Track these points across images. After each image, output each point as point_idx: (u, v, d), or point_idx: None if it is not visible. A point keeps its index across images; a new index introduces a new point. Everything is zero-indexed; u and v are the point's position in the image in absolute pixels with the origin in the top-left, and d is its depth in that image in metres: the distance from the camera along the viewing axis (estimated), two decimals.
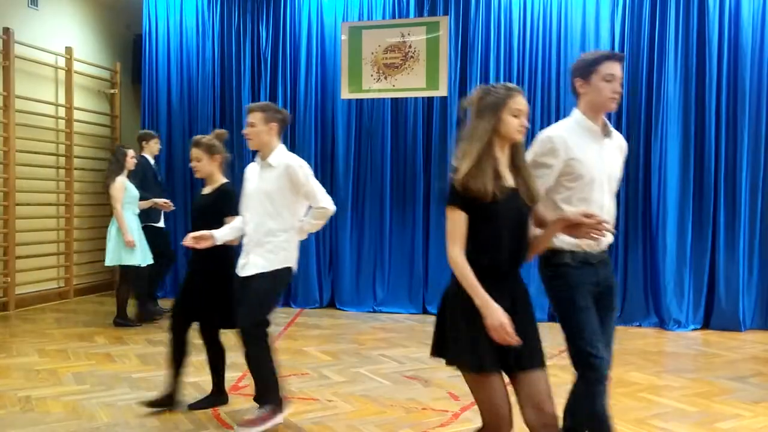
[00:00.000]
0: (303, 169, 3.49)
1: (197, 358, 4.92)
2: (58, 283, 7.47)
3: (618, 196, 6.45)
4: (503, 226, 2.30)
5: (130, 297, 6.18)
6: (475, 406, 3.85)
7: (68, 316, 6.59)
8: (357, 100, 7.23)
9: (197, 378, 4.41)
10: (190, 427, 3.50)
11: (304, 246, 7.13)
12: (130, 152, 6.07)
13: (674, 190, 6.40)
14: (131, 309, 6.25)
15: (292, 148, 7.30)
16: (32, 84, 7.07)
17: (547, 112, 6.73)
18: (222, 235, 3.60)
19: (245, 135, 3.60)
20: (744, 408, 3.94)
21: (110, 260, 5.97)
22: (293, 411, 3.75)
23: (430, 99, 7.02)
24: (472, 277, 2.27)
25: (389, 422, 3.61)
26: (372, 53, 7.15)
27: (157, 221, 6.48)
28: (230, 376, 4.46)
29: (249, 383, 4.29)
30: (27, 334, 5.70)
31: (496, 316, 2.25)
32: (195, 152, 3.83)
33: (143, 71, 7.80)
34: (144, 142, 6.64)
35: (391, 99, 7.12)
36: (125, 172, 6.01)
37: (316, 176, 7.11)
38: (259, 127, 3.52)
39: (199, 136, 3.97)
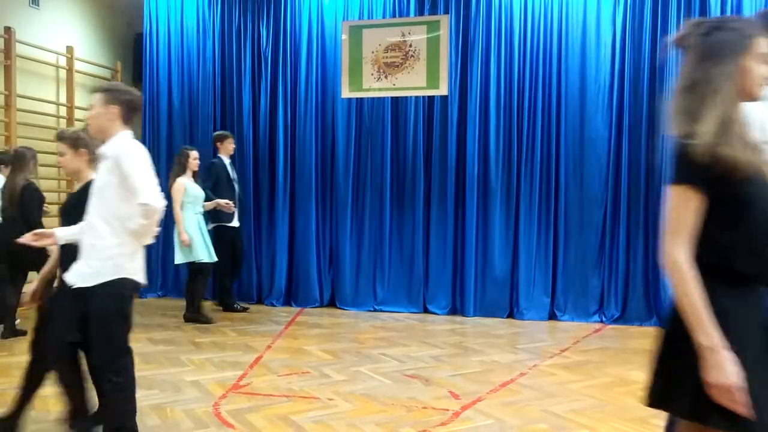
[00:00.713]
0: (130, 157, 2.90)
1: (198, 357, 4.94)
2: (59, 283, 7.46)
3: (620, 194, 6.52)
4: (762, 215, 1.61)
5: (201, 293, 6.32)
6: (476, 405, 3.88)
7: None
8: (357, 99, 7.22)
9: (198, 377, 4.41)
10: (191, 426, 3.50)
11: (304, 245, 7.23)
12: (193, 153, 6.17)
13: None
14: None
15: (293, 147, 7.34)
16: (33, 83, 7.07)
17: (548, 111, 6.73)
18: (65, 234, 3.14)
19: (86, 120, 3.11)
20: None
21: (178, 259, 6.14)
22: (294, 410, 3.76)
23: (431, 98, 7.02)
24: (698, 295, 1.57)
25: (390, 421, 3.61)
26: (372, 52, 7.15)
27: (229, 221, 6.55)
28: (231, 374, 4.48)
29: (250, 382, 4.30)
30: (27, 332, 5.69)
31: (725, 372, 1.53)
32: (59, 146, 3.34)
33: (144, 70, 7.79)
34: (219, 143, 6.70)
35: (392, 98, 7.12)
36: (188, 172, 6.14)
37: (317, 176, 7.25)
38: (97, 109, 2.98)
39: (62, 129, 3.68)
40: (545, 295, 6.74)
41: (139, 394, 3.98)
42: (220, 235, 6.53)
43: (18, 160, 5.57)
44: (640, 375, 4.59)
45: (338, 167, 7.22)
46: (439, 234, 6.96)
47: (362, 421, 3.60)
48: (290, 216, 7.32)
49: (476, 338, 5.77)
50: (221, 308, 6.80)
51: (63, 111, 7.47)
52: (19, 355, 4.95)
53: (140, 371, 4.48)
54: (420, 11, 7.05)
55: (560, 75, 6.70)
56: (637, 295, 6.51)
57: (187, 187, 6.07)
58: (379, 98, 7.15)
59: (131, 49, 8.43)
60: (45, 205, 5.69)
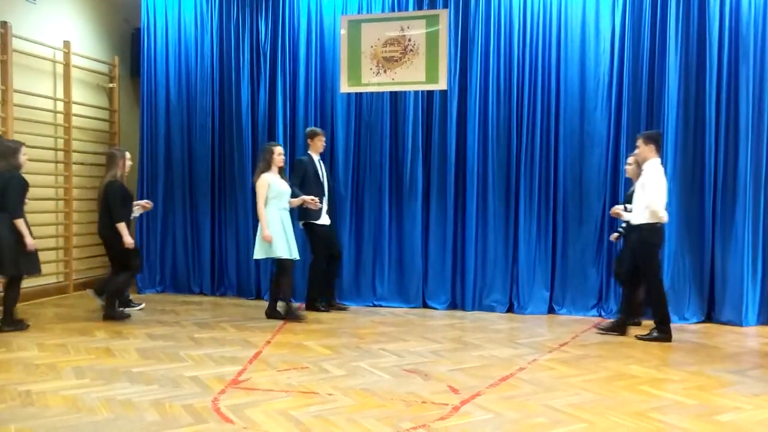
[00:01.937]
0: None
1: (197, 352, 4.94)
2: (58, 278, 7.46)
3: (618, 188, 6.51)
4: None
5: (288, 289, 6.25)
6: (476, 399, 3.88)
7: (68, 310, 6.58)
8: (356, 93, 7.20)
9: (197, 372, 4.41)
10: (191, 421, 3.50)
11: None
12: (278, 149, 6.13)
13: (675, 184, 6.39)
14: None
15: (293, 140, 7.33)
16: (30, 78, 7.04)
17: (547, 106, 6.71)
18: None
19: None
20: (744, 401, 3.94)
21: (257, 254, 6.12)
22: (294, 404, 3.76)
23: (430, 93, 7.00)
24: None
25: (389, 416, 3.61)
26: (371, 47, 7.12)
27: (317, 218, 6.44)
28: (230, 369, 4.48)
29: (249, 377, 4.30)
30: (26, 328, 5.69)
31: None
32: None
33: (142, 65, 7.76)
34: (309, 139, 6.63)
35: (391, 93, 7.10)
36: (273, 168, 6.10)
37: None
38: None
39: None
40: (544, 289, 6.74)
41: (138, 389, 4.01)
42: (310, 233, 6.52)
43: (108, 160, 6.16)
44: (638, 369, 4.61)
45: (338, 162, 7.20)
46: (439, 229, 6.96)
47: (361, 416, 3.60)
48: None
49: (475, 333, 5.77)
50: (304, 307, 6.61)
51: (60, 106, 7.43)
52: (21, 350, 4.96)
53: (138, 367, 4.51)
54: (419, 5, 7.02)
55: (559, 70, 6.68)
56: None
57: (271, 183, 6.03)
58: (378, 93, 7.13)
59: (129, 44, 8.39)
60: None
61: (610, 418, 3.61)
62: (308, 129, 6.82)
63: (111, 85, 8.17)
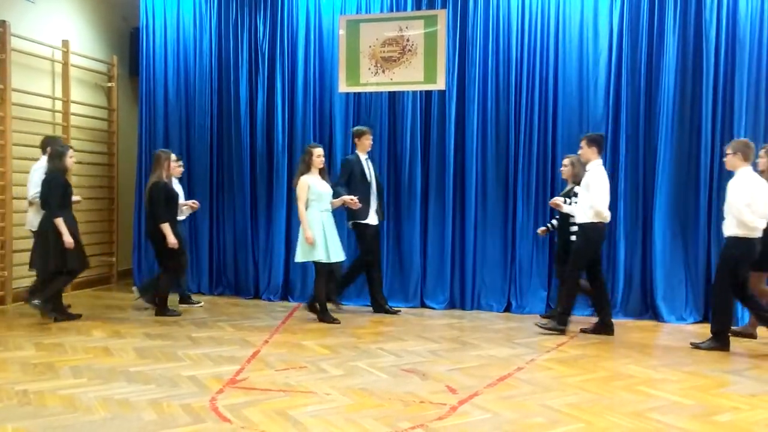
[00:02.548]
0: None
1: (195, 351, 4.94)
2: None
3: (617, 189, 6.52)
4: None
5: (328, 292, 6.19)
6: (473, 399, 3.88)
7: (71, 307, 6.56)
8: (355, 93, 7.20)
9: (195, 372, 4.40)
10: (188, 420, 3.49)
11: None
12: (317, 150, 6.04)
13: (672, 184, 6.40)
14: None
15: (291, 141, 7.33)
16: (29, 77, 7.03)
17: (544, 107, 6.72)
18: None
19: None
20: (741, 401, 3.94)
21: (298, 257, 6.07)
22: (292, 404, 3.75)
23: (429, 93, 7.00)
24: None
25: (387, 415, 3.61)
26: (370, 47, 7.12)
27: (363, 218, 6.33)
28: (228, 369, 4.47)
29: (247, 377, 4.30)
30: (24, 327, 5.69)
31: None
32: None
33: (140, 64, 7.76)
34: (357, 138, 6.51)
35: (389, 93, 7.10)
36: (313, 170, 6.01)
37: None
38: None
39: None
40: (542, 289, 6.74)
41: (135, 389, 4.00)
42: (358, 233, 6.44)
43: (154, 161, 6.27)
44: (636, 369, 4.61)
45: (336, 161, 7.19)
46: (437, 228, 6.96)
47: (359, 416, 3.59)
48: (288, 210, 7.30)
49: (474, 333, 5.77)
50: (372, 309, 6.56)
51: (59, 105, 7.43)
52: (18, 349, 4.95)
53: (136, 366, 4.51)
54: (417, 6, 7.02)
55: (557, 70, 6.69)
56: (634, 289, 6.53)
57: (311, 185, 5.96)
58: (376, 93, 7.13)
59: (127, 43, 8.39)
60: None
61: (608, 418, 3.61)
62: (355, 128, 6.67)
63: (109, 85, 8.17)
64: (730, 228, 5.10)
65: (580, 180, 5.75)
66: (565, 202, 5.92)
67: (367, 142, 6.49)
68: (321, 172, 6.09)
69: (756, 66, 6.24)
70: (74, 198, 6.17)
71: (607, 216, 5.57)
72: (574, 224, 5.83)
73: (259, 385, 4.11)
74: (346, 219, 6.51)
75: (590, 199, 5.47)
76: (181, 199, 6.59)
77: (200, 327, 5.84)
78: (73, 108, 7.55)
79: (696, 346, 5.26)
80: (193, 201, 6.76)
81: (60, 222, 5.70)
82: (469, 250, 6.83)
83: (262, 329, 5.78)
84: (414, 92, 7.01)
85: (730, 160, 5.20)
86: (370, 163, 6.51)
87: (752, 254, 5.10)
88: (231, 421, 3.48)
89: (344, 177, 6.37)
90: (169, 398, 3.83)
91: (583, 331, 5.77)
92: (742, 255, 5.07)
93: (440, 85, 6.92)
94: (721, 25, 6.27)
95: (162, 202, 6.07)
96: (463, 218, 6.86)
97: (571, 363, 4.78)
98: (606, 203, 5.55)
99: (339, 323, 6.01)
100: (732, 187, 5.10)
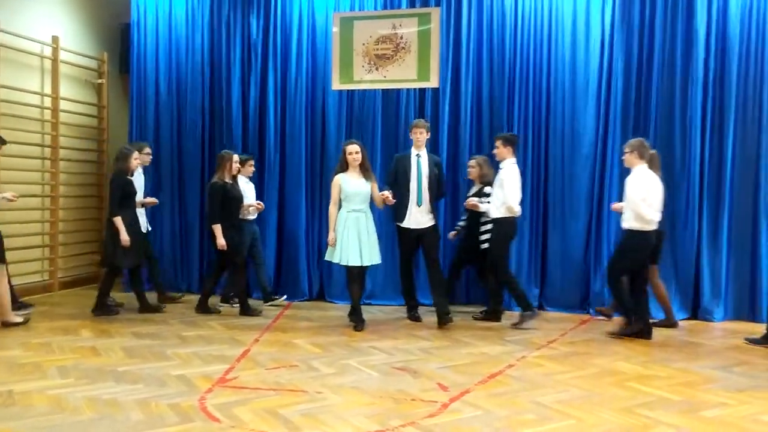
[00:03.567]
0: None
1: (184, 351, 4.91)
2: (43, 276, 7.39)
3: (606, 188, 6.53)
4: None
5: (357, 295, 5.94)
6: (465, 397, 3.88)
7: (53, 309, 6.51)
8: (348, 91, 7.17)
9: (184, 371, 4.37)
10: (177, 420, 3.46)
11: (292, 238, 7.19)
12: (348, 148, 5.70)
13: (667, 180, 6.40)
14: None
15: (283, 137, 7.29)
16: (18, 73, 6.96)
17: (537, 104, 6.72)
18: None
19: None
20: (729, 397, 3.95)
21: (326, 255, 5.90)
22: (282, 403, 3.73)
23: (423, 90, 6.98)
24: None
25: (378, 413, 3.59)
26: (363, 44, 7.10)
27: (400, 220, 5.98)
28: (218, 368, 4.44)
29: (237, 376, 4.27)
30: (10, 327, 5.63)
31: None
32: None
33: (131, 61, 7.70)
34: (410, 133, 6.17)
35: (383, 90, 7.08)
36: (352, 168, 5.70)
37: (307, 168, 7.19)
38: None
39: None
40: (534, 286, 6.75)
41: (123, 389, 3.97)
42: (398, 235, 6.09)
43: (217, 161, 6.29)
44: (625, 365, 4.62)
45: (329, 160, 7.17)
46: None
47: (351, 414, 3.58)
48: (279, 208, 7.27)
49: (465, 330, 5.76)
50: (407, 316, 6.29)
51: (48, 102, 7.36)
52: (5, 349, 4.91)
53: (124, 365, 4.47)
54: (411, 4, 7.01)
55: (550, 69, 6.70)
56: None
57: (342, 184, 5.67)
58: (370, 90, 7.10)
59: (118, 40, 8.31)
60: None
61: (598, 414, 3.61)
62: (413, 121, 6.28)
63: (99, 81, 8.11)
64: (628, 221, 5.42)
65: (488, 180, 6.09)
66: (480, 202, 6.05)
67: (415, 136, 5.96)
68: (362, 170, 5.75)
69: (745, 63, 6.28)
70: (148, 199, 6.61)
71: (518, 211, 5.88)
72: (486, 223, 6.01)
73: (249, 384, 4.09)
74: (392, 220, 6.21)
75: (504, 195, 5.75)
76: (251, 200, 6.61)
77: (190, 326, 5.81)
78: (63, 105, 7.49)
79: (612, 334, 5.56)
80: (258, 202, 6.67)
81: (118, 221, 5.92)
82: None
83: (252, 328, 5.75)
84: (408, 90, 6.99)
85: (628, 158, 5.50)
86: (424, 161, 5.95)
87: (649, 246, 5.44)
88: (220, 421, 3.46)
89: (390, 176, 6.06)
90: (157, 398, 3.80)
91: (474, 318, 6.19)
92: (639, 246, 5.40)
93: (434, 82, 6.90)
94: (711, 24, 6.29)
95: (217, 204, 6.07)
96: (454, 216, 6.85)
97: (561, 360, 4.78)
98: (518, 199, 5.86)
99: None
100: (630, 183, 5.41)
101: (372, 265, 5.87)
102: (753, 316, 6.22)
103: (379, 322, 6.07)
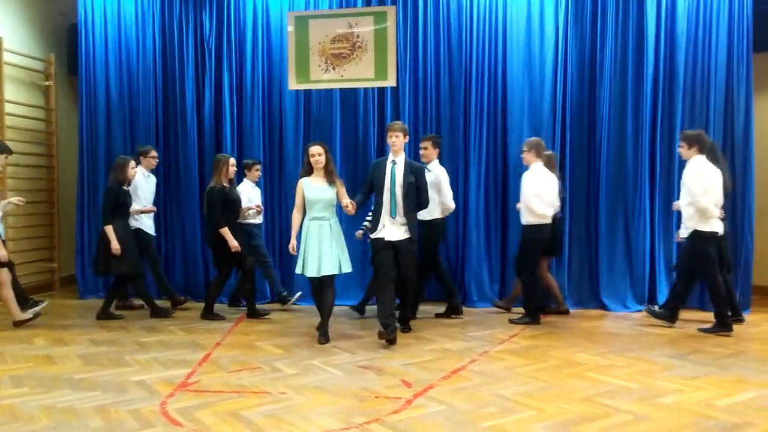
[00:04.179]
0: None
1: (143, 356, 4.81)
2: None
3: (564, 184, 6.65)
4: None
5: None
6: (428, 392, 3.90)
7: (5, 317, 6.28)
8: (306, 90, 7.13)
9: (144, 376, 4.28)
10: (137, 426, 3.39)
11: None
12: (311, 149, 5.30)
13: (615, 178, 6.60)
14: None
15: (240, 139, 7.21)
16: None
17: (494, 101, 6.81)
18: None
19: None
20: (684, 383, 4.08)
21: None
22: (245, 405, 3.69)
23: (383, 89, 6.99)
24: None
25: (342, 411, 3.59)
26: (319, 43, 7.08)
27: (373, 231, 5.47)
28: (179, 373, 4.37)
29: (198, 380, 4.21)
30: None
31: None
32: None
33: (80, 62, 7.49)
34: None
35: (341, 89, 7.06)
36: (317, 172, 5.30)
37: (265, 170, 7.12)
38: None
39: None
40: (495, 283, 6.83)
41: (80, 396, 3.87)
42: (372, 249, 5.63)
43: (213, 165, 6.24)
44: (585, 357, 4.73)
45: (287, 161, 7.13)
46: None
47: (315, 413, 3.57)
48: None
49: (428, 327, 5.79)
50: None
51: None
52: None
53: (81, 373, 4.36)
54: (367, 2, 7.02)
55: (505, 67, 6.80)
56: (583, 280, 6.69)
57: (305, 189, 5.29)
58: (327, 90, 7.08)
59: (65, 41, 8.09)
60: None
61: (559, 405, 3.69)
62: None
63: (47, 84, 7.87)
64: (524, 217, 5.76)
65: None
66: None
67: (390, 140, 5.38)
68: (326, 174, 5.29)
69: (692, 61, 6.51)
70: (146, 207, 6.57)
71: (453, 208, 6.08)
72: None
73: (211, 388, 4.03)
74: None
75: (444, 196, 5.90)
76: (257, 202, 6.59)
77: (149, 331, 5.69)
78: (8, 108, 7.24)
79: (513, 321, 5.89)
80: (258, 204, 6.57)
81: (109, 230, 5.96)
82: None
83: (213, 332, 5.67)
84: (367, 89, 6.99)
85: (526, 157, 5.83)
86: (399, 168, 5.36)
87: (545, 239, 5.84)
88: (182, 425, 3.40)
89: (366, 184, 5.54)
90: (116, 404, 3.72)
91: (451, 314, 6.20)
92: (537, 240, 5.77)
93: (391, 81, 6.93)
94: (661, 22, 6.49)
95: (219, 207, 5.99)
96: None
97: (522, 353, 4.86)
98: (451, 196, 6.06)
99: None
100: (525, 180, 5.74)
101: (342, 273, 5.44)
102: (702, 306, 6.44)
103: (342, 322, 6.05)
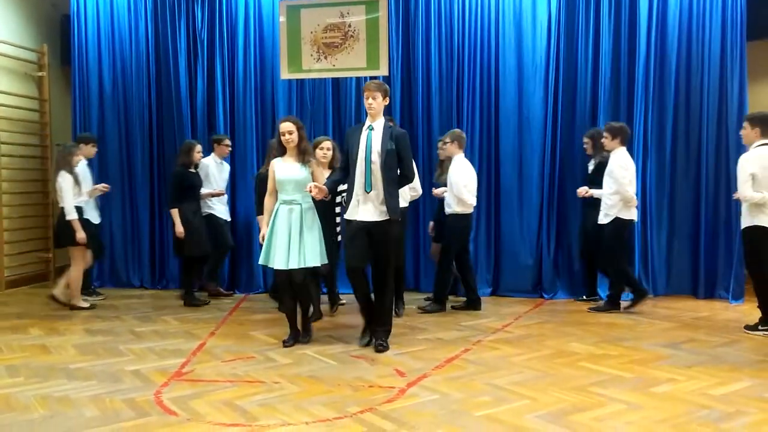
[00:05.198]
0: None
1: (138, 346, 4.82)
2: None
3: (555, 174, 6.63)
4: None
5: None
6: (422, 382, 3.92)
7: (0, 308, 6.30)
8: (298, 80, 7.12)
9: (138, 366, 4.29)
10: (132, 415, 3.40)
11: (246, 230, 7.09)
12: (281, 126, 4.73)
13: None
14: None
15: (233, 130, 7.19)
16: None
17: (487, 90, 6.80)
18: None
19: None
20: (677, 372, 4.11)
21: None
22: (239, 394, 3.71)
23: (375, 78, 6.96)
24: None
25: (336, 401, 3.61)
26: (311, 32, 7.05)
27: (343, 211, 4.85)
28: (173, 362, 4.38)
29: (193, 369, 4.22)
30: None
31: None
32: None
33: (72, 53, 7.45)
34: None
35: (333, 79, 7.05)
36: (291, 151, 4.73)
37: (258, 159, 7.11)
38: None
39: None
40: (487, 272, 6.85)
41: (75, 386, 3.88)
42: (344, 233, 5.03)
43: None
44: (578, 346, 4.75)
45: None
46: None
47: (308, 402, 3.58)
48: (232, 201, 7.17)
49: (422, 317, 5.81)
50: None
51: None
52: None
53: (76, 363, 4.37)
54: None
55: (497, 55, 6.78)
56: (575, 270, 6.70)
57: (276, 170, 4.73)
58: (320, 79, 7.06)
59: (58, 31, 8.04)
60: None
61: (552, 394, 3.71)
62: None
63: (40, 74, 7.82)
64: (451, 206, 5.82)
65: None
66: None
67: (366, 102, 4.59)
68: (299, 153, 4.71)
69: (686, 49, 6.52)
70: (213, 190, 6.55)
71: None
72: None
73: (206, 377, 4.05)
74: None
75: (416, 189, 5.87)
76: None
77: (143, 321, 5.70)
78: (1, 99, 7.21)
79: (423, 309, 6.00)
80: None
81: (174, 213, 6.14)
82: (416, 235, 6.87)
83: (208, 321, 5.68)
84: (359, 78, 6.97)
85: (450, 149, 5.88)
86: (376, 134, 4.56)
87: (470, 227, 6.07)
88: (177, 414, 3.41)
89: (343, 156, 4.81)
90: (111, 394, 3.73)
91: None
92: (464, 228, 5.93)
93: (383, 71, 6.91)
94: (653, 10, 6.48)
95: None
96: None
97: (516, 342, 4.88)
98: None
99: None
100: (453, 171, 5.79)
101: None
102: (695, 293, 6.50)
103: (336, 313, 6.06)
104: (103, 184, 6.55)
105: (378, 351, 4.59)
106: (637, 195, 6.54)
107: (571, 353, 4.58)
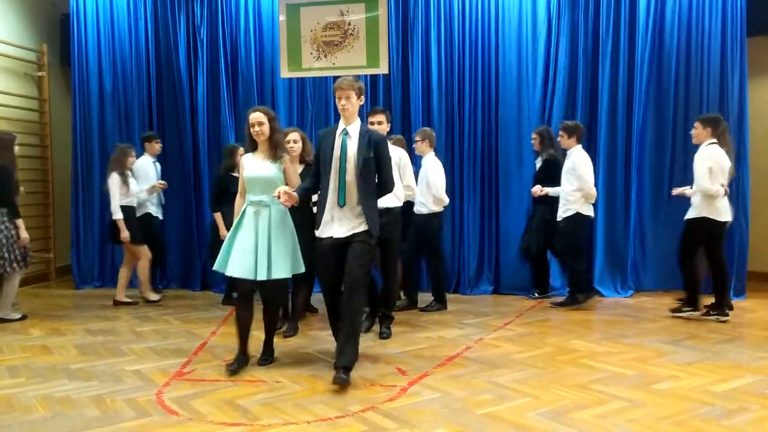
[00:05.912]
0: None
1: (139, 346, 4.81)
2: None
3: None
4: None
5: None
6: (423, 380, 3.91)
7: None
8: (299, 79, 7.11)
9: (139, 366, 4.29)
10: (133, 415, 3.40)
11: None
12: (251, 116, 4.16)
13: (611, 163, 6.60)
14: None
15: (237, 130, 7.17)
16: None
17: (487, 88, 6.79)
18: None
19: None
20: (679, 369, 4.10)
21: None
22: (241, 393, 3.71)
23: (375, 77, 6.97)
24: None
25: (338, 400, 3.60)
26: (311, 31, 7.04)
27: (317, 228, 4.43)
28: (174, 362, 4.38)
29: (194, 369, 4.22)
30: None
31: None
32: None
33: (72, 52, 7.45)
34: None
35: (334, 77, 7.02)
36: (262, 146, 4.21)
37: None
38: None
39: None
40: (489, 270, 6.85)
41: (76, 386, 3.88)
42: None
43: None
44: (579, 344, 4.74)
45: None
46: None
47: (310, 401, 3.58)
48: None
49: (423, 315, 5.81)
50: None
51: None
52: None
53: (77, 363, 4.37)
54: None
55: (497, 53, 6.77)
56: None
57: (246, 166, 4.20)
58: (320, 78, 7.06)
59: (58, 31, 8.03)
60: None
61: (554, 391, 3.70)
62: None
63: (40, 74, 7.82)
64: (427, 206, 5.77)
65: None
66: None
67: (339, 103, 4.03)
68: (270, 148, 4.16)
69: (686, 45, 6.51)
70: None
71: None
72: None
73: (207, 377, 4.05)
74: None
75: (404, 184, 5.65)
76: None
77: (144, 321, 5.70)
78: (1, 99, 7.19)
79: (421, 309, 5.94)
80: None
81: (217, 216, 6.04)
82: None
83: (209, 321, 5.68)
84: (359, 77, 6.92)
85: (420, 146, 5.88)
86: (352, 141, 3.99)
87: (442, 225, 6.03)
88: (178, 414, 3.41)
89: (315, 162, 4.19)
90: (112, 394, 3.73)
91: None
92: (440, 226, 5.95)
93: (383, 69, 6.90)
94: (652, 5, 6.48)
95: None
96: None
97: (517, 340, 4.87)
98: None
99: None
100: (430, 171, 5.76)
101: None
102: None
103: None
104: (161, 181, 6.61)
105: (382, 338, 4.92)
106: (634, 191, 6.58)
107: (573, 351, 4.57)
